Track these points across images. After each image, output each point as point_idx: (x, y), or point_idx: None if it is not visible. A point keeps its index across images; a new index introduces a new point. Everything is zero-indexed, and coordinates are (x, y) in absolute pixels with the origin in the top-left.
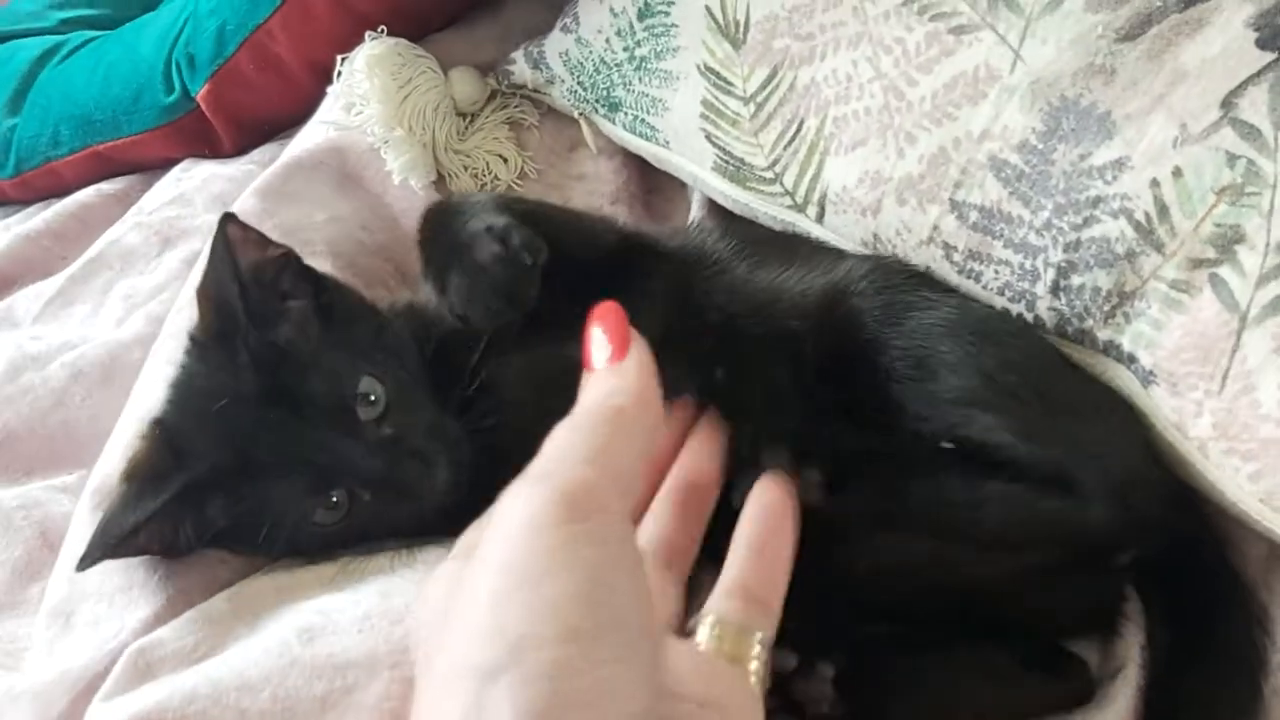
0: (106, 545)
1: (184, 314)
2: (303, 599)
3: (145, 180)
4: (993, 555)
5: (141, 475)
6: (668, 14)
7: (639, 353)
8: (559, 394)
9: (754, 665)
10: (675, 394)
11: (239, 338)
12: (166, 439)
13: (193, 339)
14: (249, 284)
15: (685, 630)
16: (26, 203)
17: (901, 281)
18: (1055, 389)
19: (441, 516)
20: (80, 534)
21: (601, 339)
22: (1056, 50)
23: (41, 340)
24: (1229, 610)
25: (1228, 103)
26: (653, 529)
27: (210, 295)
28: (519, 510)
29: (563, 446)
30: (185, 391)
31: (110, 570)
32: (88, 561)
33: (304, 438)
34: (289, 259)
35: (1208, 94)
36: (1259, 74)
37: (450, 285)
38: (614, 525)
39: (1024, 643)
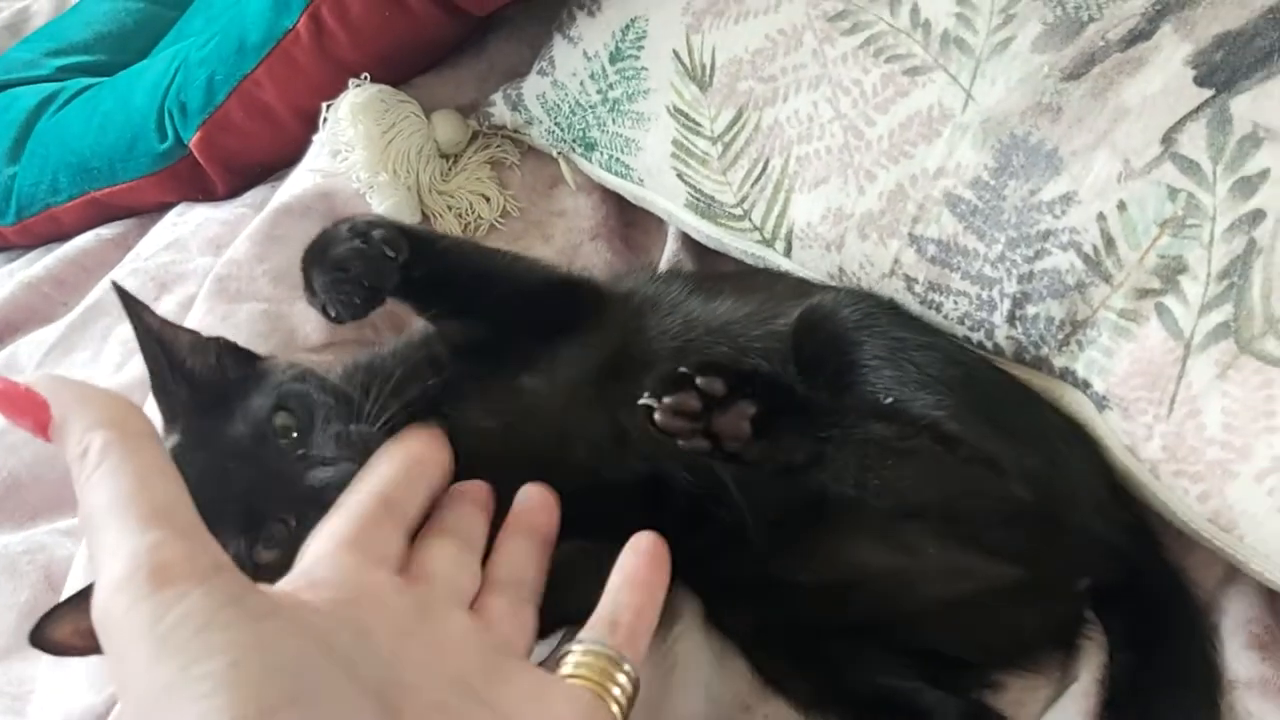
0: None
1: None
2: None
3: (142, 224)
4: (950, 573)
5: None
6: (638, 58)
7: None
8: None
9: (616, 693)
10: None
11: (171, 395)
12: None
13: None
14: (163, 338)
15: (554, 659)
16: (28, 248)
17: (879, 302)
18: (1021, 414)
19: None
20: (81, 577)
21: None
22: (1006, 89)
23: None
24: (1185, 631)
25: (1168, 138)
26: (500, 569)
27: (152, 381)
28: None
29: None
30: None
31: None
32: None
33: (230, 477)
34: (191, 333)
35: (1149, 130)
36: (1197, 110)
37: (315, 284)
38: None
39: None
